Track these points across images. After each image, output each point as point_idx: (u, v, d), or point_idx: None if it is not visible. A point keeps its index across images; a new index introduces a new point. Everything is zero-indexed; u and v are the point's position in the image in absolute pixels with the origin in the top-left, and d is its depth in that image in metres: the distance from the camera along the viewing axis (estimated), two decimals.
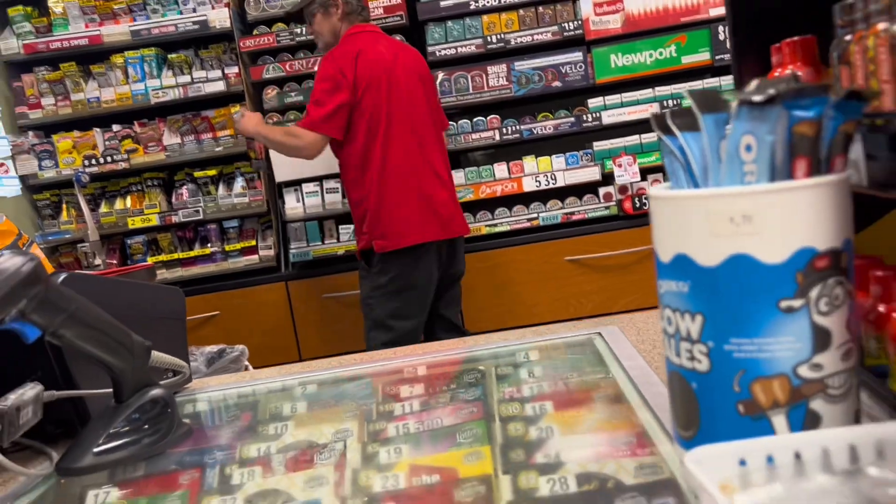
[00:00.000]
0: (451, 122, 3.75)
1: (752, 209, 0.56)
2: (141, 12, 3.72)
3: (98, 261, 3.21)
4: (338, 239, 3.81)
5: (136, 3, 3.70)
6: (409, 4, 3.73)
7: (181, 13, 3.72)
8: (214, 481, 0.93)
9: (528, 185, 3.73)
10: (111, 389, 1.03)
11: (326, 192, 3.81)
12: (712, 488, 0.47)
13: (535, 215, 3.72)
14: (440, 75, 3.73)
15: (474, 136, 3.75)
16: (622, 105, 3.71)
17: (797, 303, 0.57)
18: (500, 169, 3.76)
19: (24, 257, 0.92)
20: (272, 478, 0.91)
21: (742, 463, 0.52)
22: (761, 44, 0.93)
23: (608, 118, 3.70)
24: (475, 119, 3.77)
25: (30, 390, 0.97)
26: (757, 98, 0.56)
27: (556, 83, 3.72)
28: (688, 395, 0.62)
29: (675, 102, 3.67)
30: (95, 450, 0.96)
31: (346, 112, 2.83)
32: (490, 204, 3.77)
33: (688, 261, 0.60)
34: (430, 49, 3.72)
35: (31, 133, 3.72)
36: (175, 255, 3.73)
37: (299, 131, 2.86)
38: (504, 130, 3.74)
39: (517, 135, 3.73)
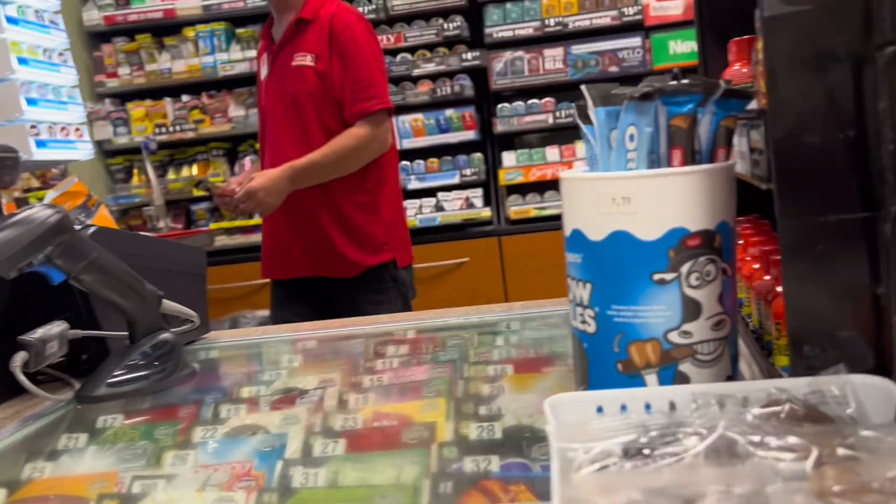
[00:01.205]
0: (506, 105, 3.81)
1: (631, 191, 0.63)
2: None
3: (162, 224, 3.42)
4: None
5: None
6: None
7: None
8: (206, 416, 1.05)
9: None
10: (126, 332, 1.16)
11: None
12: (553, 429, 0.55)
13: None
14: (497, 57, 3.78)
15: (528, 118, 3.79)
16: None
17: (669, 276, 0.64)
18: (552, 152, 3.80)
19: (53, 209, 1.05)
20: (254, 415, 1.02)
21: (599, 410, 0.60)
22: (725, 40, 0.97)
23: None
24: (529, 101, 3.81)
25: (56, 327, 1.11)
26: (637, 94, 0.62)
27: (613, 68, 3.72)
28: (581, 354, 0.70)
29: None
30: (109, 381, 1.10)
31: None
32: (540, 187, 3.82)
33: (580, 235, 0.68)
34: (487, 30, 3.78)
35: (107, 100, 3.97)
36: (236, 223, 3.93)
37: (366, 128, 2.16)
38: (558, 114, 3.77)
39: (570, 118, 3.76)
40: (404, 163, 3.91)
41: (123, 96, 4.00)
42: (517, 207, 3.79)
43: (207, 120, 3.91)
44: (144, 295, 1.14)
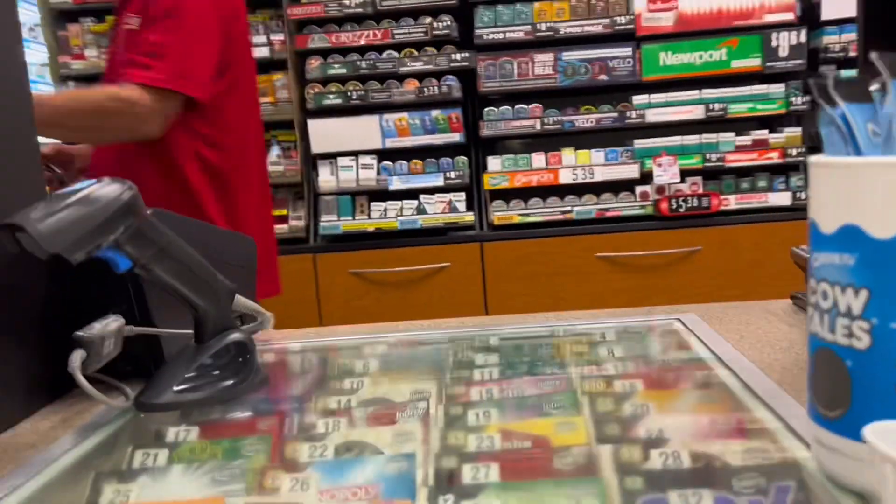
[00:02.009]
0: (493, 108, 3.73)
1: None
2: None
3: None
4: (369, 215, 3.79)
5: None
6: None
7: None
8: (295, 429, 0.91)
9: (565, 178, 3.70)
10: (190, 331, 1.01)
11: (361, 168, 3.79)
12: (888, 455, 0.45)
13: (570, 208, 3.69)
14: (486, 60, 3.70)
15: (515, 123, 3.72)
16: (667, 104, 3.67)
17: None
18: (538, 159, 3.74)
19: (123, 185, 0.90)
20: (357, 429, 0.89)
21: None
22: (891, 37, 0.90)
23: (652, 116, 3.66)
24: (517, 106, 3.74)
25: (113, 322, 0.95)
26: None
27: (603, 76, 3.68)
28: (839, 372, 0.60)
29: (721, 106, 3.63)
30: (175, 388, 0.95)
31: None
32: (524, 193, 3.75)
33: (857, 232, 0.58)
34: (477, 32, 3.70)
35: (72, 83, 3.71)
36: None
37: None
38: (545, 120, 3.71)
39: (558, 126, 3.70)
40: (387, 163, 3.78)
41: (89, 79, 3.74)
42: (501, 213, 3.70)
43: None
44: (217, 289, 0.99)
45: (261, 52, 3.69)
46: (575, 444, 0.82)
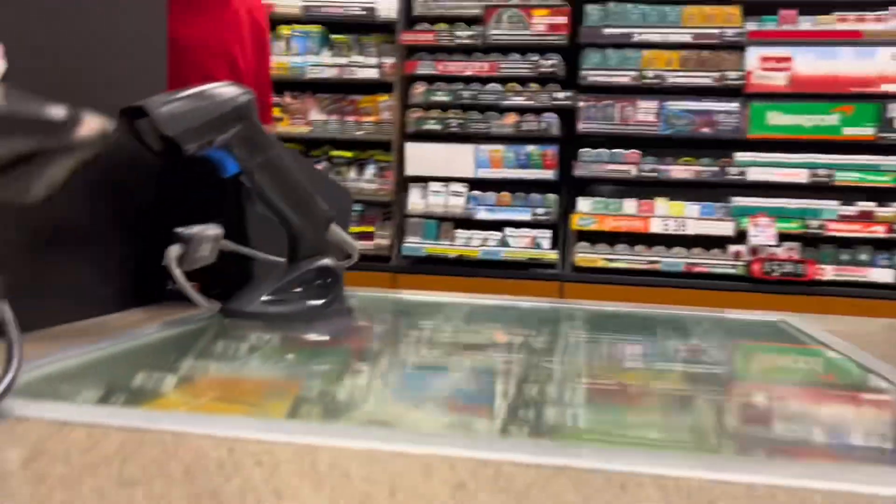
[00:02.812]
0: (589, 150, 3.72)
1: None
2: None
3: None
4: (452, 241, 3.80)
5: None
6: (573, 25, 3.73)
7: None
8: (377, 347, 0.90)
9: (655, 227, 3.63)
10: (282, 259, 1.01)
11: (451, 194, 3.82)
12: None
13: (657, 259, 3.61)
14: (588, 100, 3.71)
15: (610, 166, 3.69)
16: (771, 164, 3.58)
17: None
18: (630, 205, 3.69)
19: (241, 89, 0.93)
20: (443, 358, 0.87)
21: None
22: None
23: (754, 175, 3.57)
24: (614, 150, 3.71)
25: (212, 229, 0.97)
26: None
27: (706, 129, 3.63)
28: None
29: (828, 173, 3.51)
30: (263, 298, 0.95)
31: None
32: (611, 237, 3.69)
33: None
34: (582, 72, 3.71)
35: None
36: None
37: None
38: (642, 167, 3.66)
39: (654, 174, 3.65)
40: (476, 192, 3.80)
41: None
42: (585, 255, 3.65)
43: (286, 119, 3.83)
44: (315, 211, 1.00)
45: (370, 73, 3.81)
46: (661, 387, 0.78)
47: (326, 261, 1.01)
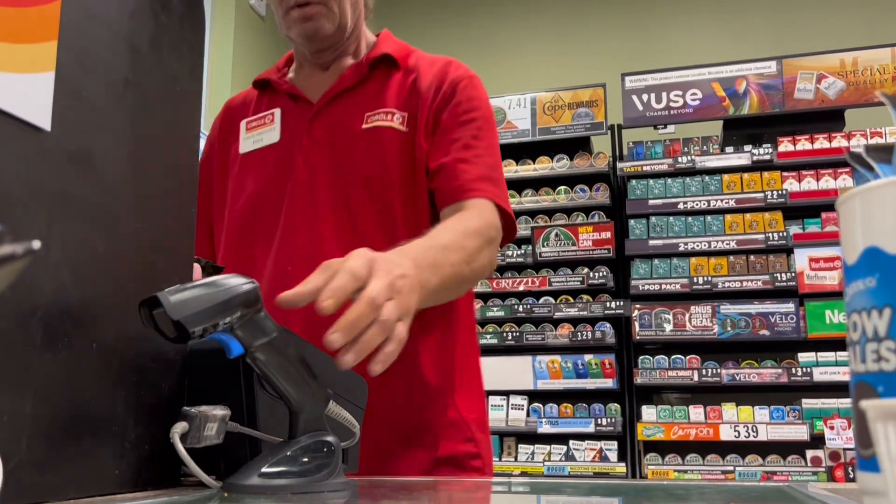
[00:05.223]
0: (648, 357, 3.71)
1: None
2: None
3: None
4: (516, 458, 3.73)
5: None
6: (618, 240, 3.89)
7: None
8: None
9: (726, 434, 3.49)
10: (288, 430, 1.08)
11: (511, 408, 3.81)
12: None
13: (731, 468, 3.44)
14: (641, 309, 3.76)
15: (671, 373, 3.65)
16: (837, 364, 3.48)
17: None
18: (696, 412, 3.59)
19: (247, 279, 1.05)
20: None
21: None
22: None
23: (820, 375, 3.47)
24: (673, 356, 3.69)
25: (219, 410, 1.05)
26: None
27: (764, 331, 3.60)
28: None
29: None
30: (262, 471, 1.00)
31: None
32: (681, 447, 3.56)
33: (877, 252, 0.58)
34: (633, 283, 3.81)
35: None
36: None
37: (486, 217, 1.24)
38: (703, 372, 3.61)
39: (717, 378, 3.59)
40: (537, 404, 3.79)
41: None
42: (655, 467, 3.51)
43: None
44: (313, 389, 1.07)
45: None
46: None
47: (326, 436, 1.06)
